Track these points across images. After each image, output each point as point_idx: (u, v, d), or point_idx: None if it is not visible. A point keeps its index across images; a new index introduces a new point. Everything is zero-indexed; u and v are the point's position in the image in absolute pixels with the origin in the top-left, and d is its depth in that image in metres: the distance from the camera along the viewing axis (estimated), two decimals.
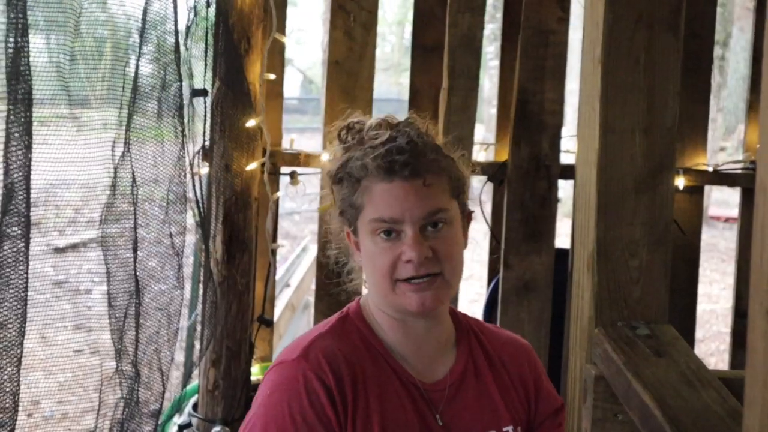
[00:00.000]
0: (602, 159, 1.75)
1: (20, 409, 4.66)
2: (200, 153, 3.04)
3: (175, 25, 2.95)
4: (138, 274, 3.09)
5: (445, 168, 1.77)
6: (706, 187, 3.66)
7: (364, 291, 1.84)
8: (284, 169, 3.19)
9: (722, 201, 12.97)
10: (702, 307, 6.25)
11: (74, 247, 3.17)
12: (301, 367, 1.71)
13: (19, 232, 2.12)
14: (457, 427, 1.78)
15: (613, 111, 1.73)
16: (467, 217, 1.85)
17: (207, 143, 2.98)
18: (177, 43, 2.94)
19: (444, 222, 1.74)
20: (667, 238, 1.77)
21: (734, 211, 3.41)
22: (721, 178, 3.59)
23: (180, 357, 5.27)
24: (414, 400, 1.76)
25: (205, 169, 3.03)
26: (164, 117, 3.02)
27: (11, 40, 2.16)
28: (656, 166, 1.78)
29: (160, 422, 3.19)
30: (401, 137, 1.75)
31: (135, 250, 2.93)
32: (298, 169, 3.19)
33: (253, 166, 2.95)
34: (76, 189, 2.95)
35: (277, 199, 3.12)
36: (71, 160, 2.85)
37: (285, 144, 3.25)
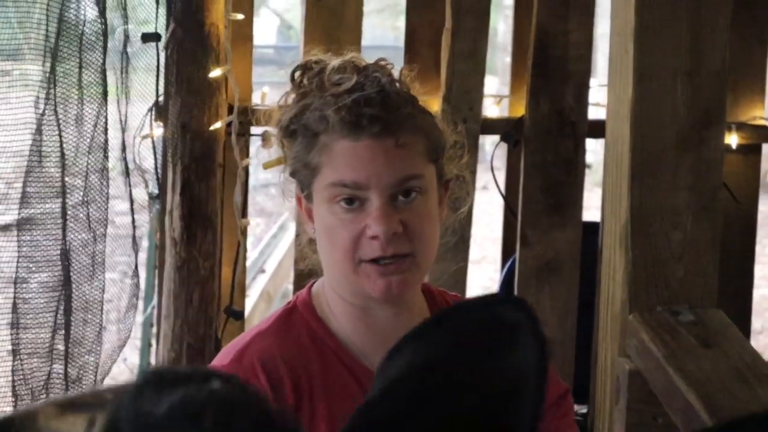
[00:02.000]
0: (637, 111, 1.73)
1: None
2: (153, 111, 3.02)
3: None
4: (80, 259, 3.08)
5: (422, 125, 1.74)
6: (765, 147, 3.63)
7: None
8: (255, 130, 3.15)
9: None
10: (760, 291, 6.26)
11: (6, 228, 3.14)
12: (246, 372, 1.71)
13: None
14: None
15: (649, 52, 1.71)
16: (445, 186, 1.83)
17: (161, 99, 2.94)
18: None
19: (418, 191, 1.71)
20: (716, 205, 1.77)
21: None
22: None
23: (135, 358, 5.29)
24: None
25: (159, 131, 3.00)
26: (109, 71, 3.00)
27: None
28: (702, 118, 1.77)
29: None
30: (370, 84, 1.71)
31: (64, 229, 2.91)
32: (271, 130, 3.16)
33: (217, 125, 2.92)
34: (6, 158, 2.94)
35: (247, 166, 3.11)
36: (1, 123, 2.87)
37: (256, 99, 3.20)
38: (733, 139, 3.31)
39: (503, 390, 0.89)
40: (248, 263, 3.90)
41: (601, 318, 1.80)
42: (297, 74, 1.78)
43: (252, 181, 3.23)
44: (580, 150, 3.27)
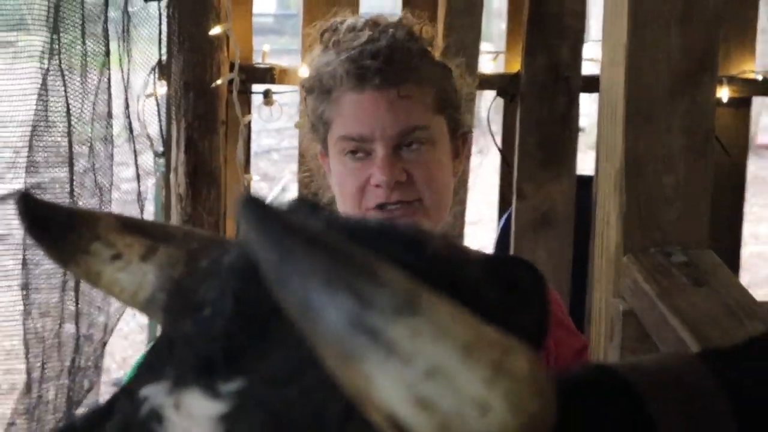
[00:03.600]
0: (631, 58, 1.70)
1: None
2: (156, 70, 2.99)
3: None
4: None
5: (428, 77, 1.73)
6: (755, 110, 3.61)
7: None
8: (256, 87, 3.13)
9: None
10: (748, 249, 6.26)
11: (15, 194, 3.11)
12: None
13: None
14: None
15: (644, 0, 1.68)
16: (462, 138, 1.81)
17: (163, 58, 2.91)
18: None
19: (422, 142, 1.70)
20: (709, 150, 1.75)
21: None
22: None
23: (143, 317, 5.29)
24: None
25: (162, 89, 2.98)
26: (112, 39, 2.98)
27: None
28: (696, 65, 1.74)
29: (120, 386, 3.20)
30: (383, 39, 1.71)
31: (71, 195, 2.89)
32: (273, 87, 3.14)
33: (218, 82, 2.89)
34: (13, 128, 2.93)
35: (249, 123, 3.09)
36: (7, 93, 2.81)
37: (257, 58, 3.17)
38: (724, 93, 3.29)
39: None
40: None
41: (596, 261, 1.79)
42: (323, 35, 1.78)
43: (254, 147, 3.21)
44: (575, 105, 3.27)
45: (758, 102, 3.56)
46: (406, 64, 1.70)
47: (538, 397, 0.52)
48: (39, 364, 2.99)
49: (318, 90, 1.73)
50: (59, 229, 0.76)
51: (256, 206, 0.51)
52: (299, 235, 0.50)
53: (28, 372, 2.97)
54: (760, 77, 3.50)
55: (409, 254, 0.64)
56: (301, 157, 2.77)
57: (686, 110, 1.73)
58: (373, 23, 1.76)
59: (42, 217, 0.77)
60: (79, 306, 3.03)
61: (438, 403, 0.50)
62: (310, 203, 0.72)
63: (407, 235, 0.67)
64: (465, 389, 0.51)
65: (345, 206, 1.74)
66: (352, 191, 1.70)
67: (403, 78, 1.68)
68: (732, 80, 3.38)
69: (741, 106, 3.46)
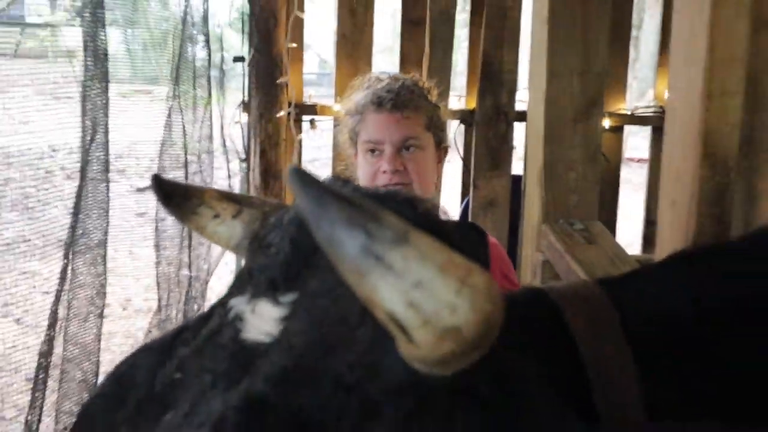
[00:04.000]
0: (548, 96, 1.68)
1: (117, 304, 4.65)
2: (241, 106, 2.97)
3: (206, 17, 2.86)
4: None
5: (422, 106, 1.73)
6: (625, 132, 3.58)
7: None
8: (305, 117, 3.11)
9: (634, 147, 12.86)
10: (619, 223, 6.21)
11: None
12: None
13: (100, 176, 2.06)
14: None
15: (556, 59, 1.67)
16: (443, 150, 1.79)
17: (246, 98, 2.90)
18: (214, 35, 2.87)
19: (416, 147, 1.70)
20: (597, 158, 1.71)
21: (645, 154, 3.42)
22: (636, 119, 3.52)
23: (233, 264, 5.26)
24: None
25: (245, 119, 2.96)
26: (213, 88, 3.00)
27: (91, 32, 2.09)
28: (589, 102, 1.71)
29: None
30: (396, 84, 1.74)
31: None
32: (316, 117, 3.12)
33: (281, 113, 2.88)
34: (150, 145, 2.96)
35: (300, 140, 3.06)
36: (146, 124, 2.91)
37: (306, 99, 3.16)
38: (606, 123, 3.26)
39: None
40: None
41: (524, 229, 1.76)
42: (362, 82, 1.81)
43: (304, 157, 3.19)
44: (510, 130, 3.24)
45: (627, 129, 3.53)
46: (409, 97, 1.71)
47: (491, 302, 0.50)
48: (166, 295, 2.98)
49: (354, 113, 1.75)
50: (179, 198, 0.75)
51: (300, 174, 0.50)
52: (327, 192, 0.49)
53: (159, 300, 2.97)
54: (629, 112, 3.49)
55: (406, 209, 0.63)
56: (338, 156, 2.75)
57: (583, 131, 1.69)
58: (394, 77, 1.79)
59: (168, 191, 0.76)
60: (191, 257, 3.02)
61: (422, 305, 0.49)
62: (342, 178, 0.71)
63: (406, 197, 0.65)
64: (440, 296, 0.49)
65: (365, 185, 1.72)
66: (367, 175, 1.71)
67: (405, 105, 1.70)
68: (611, 114, 3.36)
69: (617, 131, 3.43)
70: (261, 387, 0.55)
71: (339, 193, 0.49)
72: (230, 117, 3.15)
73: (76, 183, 1.89)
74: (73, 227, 1.85)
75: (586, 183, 1.68)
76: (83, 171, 1.79)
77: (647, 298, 0.79)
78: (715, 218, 1.01)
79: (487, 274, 0.51)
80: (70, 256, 1.93)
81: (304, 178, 0.49)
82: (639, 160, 12.68)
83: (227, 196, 0.75)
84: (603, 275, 1.34)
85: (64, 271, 1.99)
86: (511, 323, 0.61)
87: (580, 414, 0.69)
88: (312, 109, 3.05)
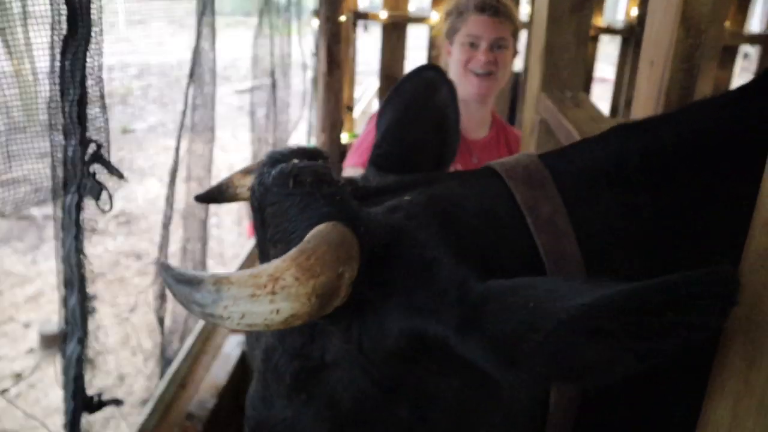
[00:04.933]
0: None
1: (224, 168, 4.79)
2: (312, 13, 2.94)
3: None
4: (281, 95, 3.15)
5: (512, 17, 1.74)
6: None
7: None
8: (360, 23, 3.05)
9: (600, 70, 11.97)
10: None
11: (250, 90, 3.25)
12: None
13: (209, 80, 2.11)
14: (479, 164, 1.79)
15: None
16: (515, 53, 1.81)
17: (317, 6, 2.85)
18: None
19: (504, 47, 1.71)
20: (586, 42, 1.65)
21: (611, 75, 3.07)
22: (610, 30, 3.24)
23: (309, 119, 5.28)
24: (463, 147, 1.77)
25: (315, 22, 2.94)
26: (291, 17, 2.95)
27: None
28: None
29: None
30: None
31: (273, 86, 2.89)
32: (369, 22, 3.10)
33: (342, 18, 2.80)
34: (246, 60, 2.96)
35: (355, 39, 3.03)
36: (242, 44, 2.97)
37: (362, 6, 3.04)
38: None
39: (436, 119, 0.81)
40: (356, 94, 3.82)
41: (526, 97, 1.71)
42: None
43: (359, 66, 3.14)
44: None
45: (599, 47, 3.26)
46: (504, 7, 1.72)
47: (306, 286, 0.49)
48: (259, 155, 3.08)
49: (455, 13, 1.74)
50: (220, 195, 0.75)
51: (164, 267, 0.52)
52: (175, 278, 0.52)
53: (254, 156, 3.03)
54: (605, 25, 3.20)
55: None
56: (434, 46, 2.67)
57: (577, 21, 1.62)
58: None
59: (210, 197, 0.76)
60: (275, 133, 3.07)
61: (258, 323, 0.50)
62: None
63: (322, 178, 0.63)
64: (263, 312, 0.49)
65: (457, 71, 1.74)
66: (462, 63, 1.72)
67: (502, 13, 1.71)
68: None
69: (593, 40, 3.22)
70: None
71: (180, 276, 0.50)
72: (304, 38, 3.14)
73: (202, 86, 1.99)
74: (189, 116, 1.95)
75: (576, 61, 1.63)
76: (197, 77, 1.88)
77: (576, 161, 0.70)
78: (686, 72, 0.98)
79: (300, 264, 0.49)
80: (189, 136, 2.03)
81: (166, 271, 0.51)
82: (601, 80, 12.00)
83: (246, 171, 0.72)
84: (587, 130, 1.33)
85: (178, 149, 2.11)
86: (464, 200, 0.61)
87: (527, 263, 0.60)
88: (365, 15, 3.02)
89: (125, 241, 3.64)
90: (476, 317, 0.52)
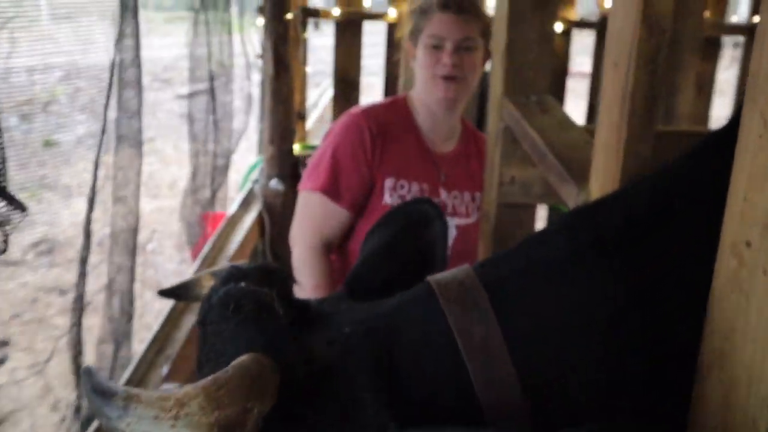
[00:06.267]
0: None
1: (165, 186, 4.59)
2: (258, 11, 2.73)
3: None
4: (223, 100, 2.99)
5: (480, 14, 1.65)
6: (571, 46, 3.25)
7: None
8: (311, 21, 2.89)
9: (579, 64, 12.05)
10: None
11: (191, 95, 3.03)
12: (361, 119, 1.63)
13: (136, 83, 1.91)
14: (448, 182, 1.69)
15: None
16: (487, 54, 1.72)
17: (261, 3, 2.68)
18: None
19: (472, 48, 1.62)
20: (551, 40, 1.58)
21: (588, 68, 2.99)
22: (583, 24, 3.19)
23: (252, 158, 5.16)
24: (427, 163, 1.69)
25: (261, 21, 2.74)
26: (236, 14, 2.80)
27: None
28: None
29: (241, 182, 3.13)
30: None
31: (212, 91, 2.72)
32: (320, 20, 2.90)
33: (289, 15, 2.66)
34: (186, 60, 2.82)
35: (306, 39, 2.85)
36: (184, 43, 2.73)
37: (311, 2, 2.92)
38: (558, 26, 2.97)
39: (422, 254, 0.83)
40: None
41: (490, 104, 1.64)
42: None
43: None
44: None
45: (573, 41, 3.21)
46: (471, 4, 1.64)
47: (207, 416, 0.53)
48: (199, 173, 2.89)
49: (419, 12, 1.65)
50: (190, 296, 0.80)
51: (86, 374, 0.56)
52: (91, 391, 0.55)
53: (193, 175, 2.87)
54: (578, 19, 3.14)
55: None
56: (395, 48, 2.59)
57: (540, 18, 1.55)
58: None
59: (174, 294, 0.81)
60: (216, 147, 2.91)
61: None
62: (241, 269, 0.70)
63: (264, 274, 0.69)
64: None
65: (422, 75, 1.66)
66: (428, 63, 1.63)
67: (468, 10, 1.62)
68: (562, 19, 3.07)
69: (565, 35, 3.15)
70: None
71: (96, 385, 0.54)
72: (249, 37, 2.96)
73: (130, 91, 1.80)
74: (121, 125, 1.86)
75: (541, 62, 1.56)
76: (121, 82, 1.77)
77: (516, 269, 0.67)
78: (650, 73, 0.93)
79: (207, 392, 0.53)
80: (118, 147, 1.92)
81: (87, 377, 0.55)
82: (580, 74, 11.96)
83: (214, 274, 0.76)
84: (554, 138, 1.29)
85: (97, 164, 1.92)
86: (401, 330, 0.63)
87: (461, 392, 0.60)
88: (315, 12, 2.82)
89: (47, 273, 3.41)
90: None
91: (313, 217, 1.60)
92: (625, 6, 0.93)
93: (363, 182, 1.58)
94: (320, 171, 1.59)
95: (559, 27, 3.02)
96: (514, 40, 1.55)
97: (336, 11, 2.70)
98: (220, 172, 2.93)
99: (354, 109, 1.68)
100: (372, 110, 1.64)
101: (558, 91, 3.21)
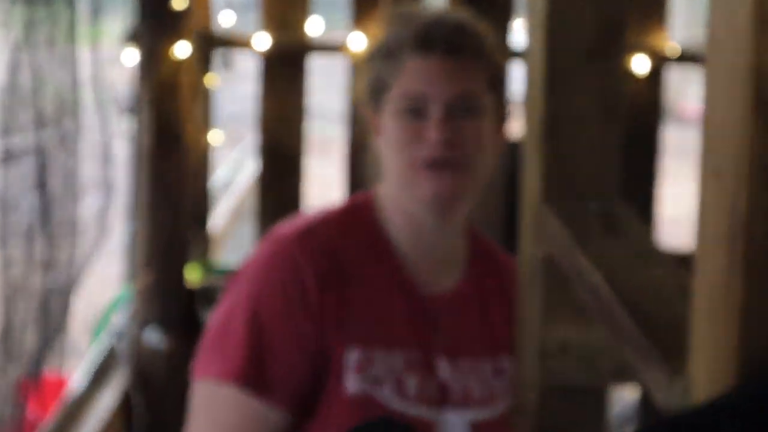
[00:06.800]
0: (551, 23, 1.09)
1: None
2: (127, 40, 2.12)
3: None
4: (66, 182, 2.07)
5: (488, 53, 1.22)
6: (669, 78, 2.56)
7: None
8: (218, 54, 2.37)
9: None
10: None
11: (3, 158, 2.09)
12: (296, 249, 1.14)
13: None
14: (451, 345, 1.24)
15: None
16: (507, 115, 1.30)
17: (130, 28, 2.16)
18: None
19: (474, 110, 1.17)
20: (619, 110, 1.14)
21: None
22: (685, 57, 2.30)
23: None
24: (412, 314, 1.22)
25: (131, 55, 2.03)
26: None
27: None
28: (607, 34, 1.11)
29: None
30: (449, 18, 1.27)
31: (40, 152, 1.81)
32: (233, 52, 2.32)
33: (182, 47, 2.10)
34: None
35: (209, 88, 2.22)
36: None
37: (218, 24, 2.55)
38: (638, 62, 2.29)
39: None
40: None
41: (522, 214, 1.19)
42: (395, 16, 1.35)
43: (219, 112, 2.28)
44: None
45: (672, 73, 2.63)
46: (472, 38, 1.18)
47: None
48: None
49: (380, 56, 1.22)
50: None
51: None
52: None
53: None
54: (675, 48, 2.40)
55: None
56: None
57: (599, 74, 1.09)
58: (441, 11, 1.47)
59: None
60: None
61: None
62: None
63: None
64: None
65: (394, 160, 1.19)
66: (402, 143, 1.16)
67: (464, 50, 1.17)
68: (647, 50, 2.28)
69: (654, 75, 2.27)
70: None
71: None
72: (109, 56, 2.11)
73: None
74: None
75: (603, 147, 1.17)
76: None
77: None
78: None
79: None
80: None
81: None
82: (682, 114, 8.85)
83: None
84: (628, 280, 0.93)
85: None
86: None
87: None
88: (226, 42, 2.08)
89: None
90: None
91: (223, 425, 1.18)
92: (727, 81, 0.59)
93: (305, 361, 1.18)
94: (229, 344, 1.18)
95: (642, 64, 2.25)
96: (556, 110, 1.10)
97: (261, 40, 1.93)
98: (55, 308, 1.93)
99: (283, 229, 1.27)
100: (315, 229, 1.22)
101: (641, 168, 2.37)
